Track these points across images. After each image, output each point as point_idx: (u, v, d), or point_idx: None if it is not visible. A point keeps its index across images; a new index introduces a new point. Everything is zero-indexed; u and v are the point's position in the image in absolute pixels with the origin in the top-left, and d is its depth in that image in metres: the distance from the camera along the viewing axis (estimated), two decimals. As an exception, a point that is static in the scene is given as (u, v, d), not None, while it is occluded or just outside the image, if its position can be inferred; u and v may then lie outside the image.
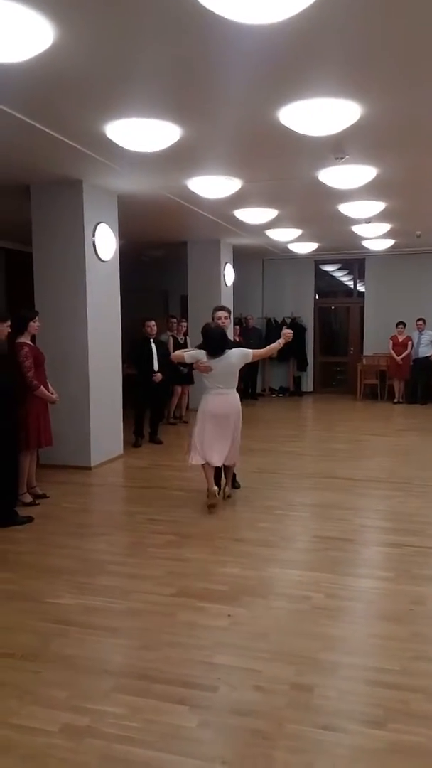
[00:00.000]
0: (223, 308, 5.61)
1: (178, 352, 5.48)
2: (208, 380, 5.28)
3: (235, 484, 5.85)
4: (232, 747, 2.38)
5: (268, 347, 5.54)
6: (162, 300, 13.33)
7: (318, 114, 4.33)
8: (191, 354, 5.32)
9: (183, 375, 9.36)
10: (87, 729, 2.47)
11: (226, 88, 4.03)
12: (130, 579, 3.92)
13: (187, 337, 9.57)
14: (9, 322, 5.01)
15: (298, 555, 4.43)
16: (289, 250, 11.69)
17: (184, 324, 9.71)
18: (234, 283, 11.44)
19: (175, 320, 9.73)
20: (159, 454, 7.61)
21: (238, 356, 5.25)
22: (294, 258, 12.82)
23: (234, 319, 11.59)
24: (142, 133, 4.75)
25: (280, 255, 12.62)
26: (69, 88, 3.98)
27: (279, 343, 5.37)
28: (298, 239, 10.43)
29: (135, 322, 8.22)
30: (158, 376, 8.03)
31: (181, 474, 6.60)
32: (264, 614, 3.47)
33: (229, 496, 5.64)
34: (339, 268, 14.10)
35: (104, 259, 6.87)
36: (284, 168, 6.03)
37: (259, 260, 13.23)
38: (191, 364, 5.33)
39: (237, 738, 2.43)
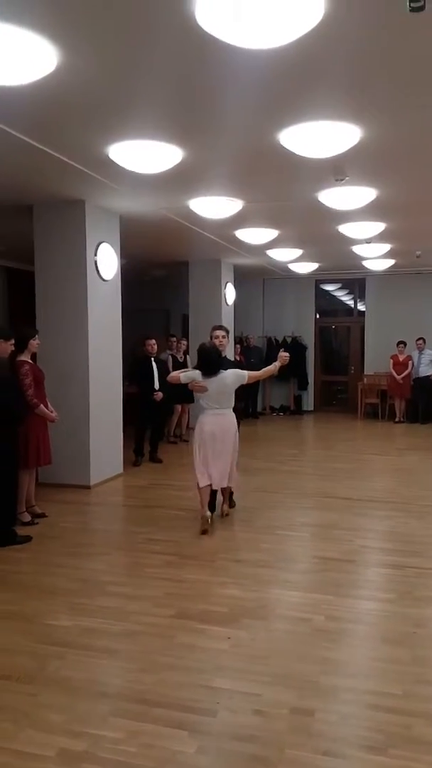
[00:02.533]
0: (221, 327, 5.60)
1: (174, 373, 5.43)
2: (204, 400, 5.27)
3: (231, 503, 5.81)
4: (231, 773, 2.34)
5: (264, 369, 5.46)
6: (163, 319, 13.38)
7: (318, 136, 4.39)
8: (187, 375, 5.30)
9: (183, 394, 9.35)
10: (84, 754, 2.42)
11: (227, 111, 4.09)
12: (128, 600, 3.88)
13: (187, 356, 9.59)
14: (13, 341, 5.02)
15: (299, 576, 4.38)
16: (289, 270, 11.76)
17: (184, 343, 9.74)
18: (235, 302, 11.49)
19: (174, 339, 9.75)
20: (159, 473, 7.58)
21: (233, 377, 5.24)
22: (294, 277, 12.89)
23: (234, 338, 11.65)
24: (144, 155, 4.80)
25: (281, 274, 12.69)
26: (72, 110, 4.03)
27: (275, 366, 5.34)
28: (299, 259, 10.49)
29: (136, 341, 8.24)
30: (159, 395, 8.03)
31: (181, 494, 6.56)
32: (264, 637, 3.43)
33: (226, 515, 5.64)
34: (339, 288, 14.18)
35: (106, 278, 6.91)
36: (285, 189, 6.09)
37: (260, 279, 13.31)
38: (187, 384, 5.31)
39: (236, 764, 2.39)
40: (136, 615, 3.65)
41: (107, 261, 6.91)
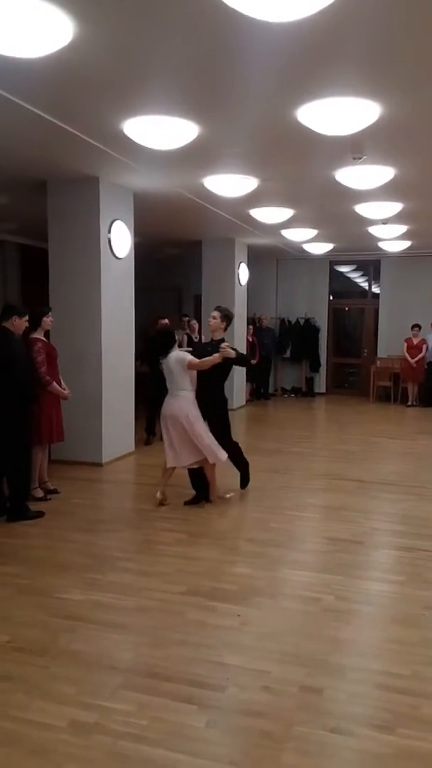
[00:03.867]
0: (217, 308, 5.63)
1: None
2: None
3: (206, 496, 5.61)
4: (240, 748, 2.37)
5: (206, 359, 5.19)
6: (175, 298, 13.33)
7: (336, 113, 4.31)
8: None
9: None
10: (94, 725, 2.46)
11: (245, 86, 4.01)
12: (139, 576, 3.92)
13: (201, 336, 9.55)
14: (27, 317, 5.02)
15: (309, 556, 4.40)
16: (304, 251, 11.65)
17: (195, 323, 9.68)
18: (248, 283, 11.42)
19: (188, 319, 9.72)
20: (170, 452, 7.59)
21: (174, 360, 5.21)
22: (309, 258, 12.77)
23: (247, 318, 11.59)
24: (159, 131, 4.74)
25: (295, 255, 12.58)
26: (88, 84, 3.98)
27: (215, 357, 5.14)
28: (314, 239, 10.39)
29: (148, 320, 8.22)
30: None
31: (192, 472, 6.58)
32: (274, 615, 3.45)
33: (163, 503, 5.38)
34: (354, 269, 14.04)
35: (119, 256, 6.88)
36: (301, 167, 6.00)
37: (274, 260, 13.20)
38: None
39: (245, 739, 2.42)
40: (147, 591, 3.69)
41: (121, 239, 6.87)
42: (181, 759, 2.29)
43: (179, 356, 5.20)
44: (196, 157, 5.59)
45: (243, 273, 11.09)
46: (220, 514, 5.25)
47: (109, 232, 6.67)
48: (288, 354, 13.09)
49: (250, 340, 11.77)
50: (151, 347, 5.04)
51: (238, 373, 11.02)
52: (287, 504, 5.53)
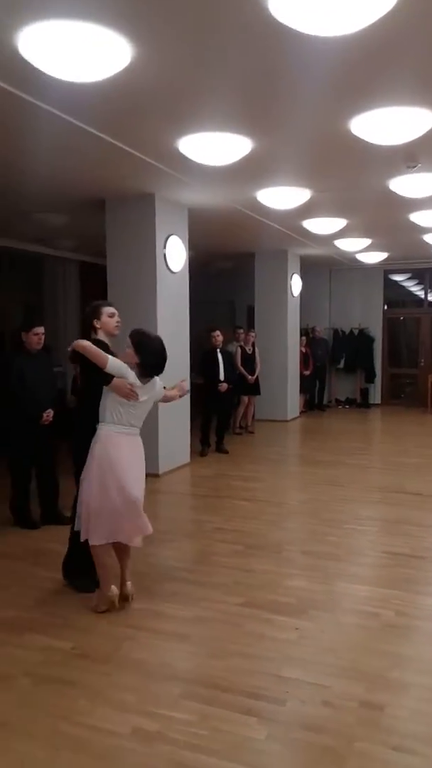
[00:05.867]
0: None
1: (98, 353, 3.51)
2: (119, 411, 3.55)
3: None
4: (301, 763, 2.36)
5: (170, 393, 4.01)
6: (229, 310, 13.42)
7: (390, 123, 4.30)
8: (119, 366, 3.52)
9: (250, 385, 9.40)
10: (157, 734, 2.50)
11: (298, 100, 4.05)
12: (197, 587, 3.95)
13: (256, 348, 9.59)
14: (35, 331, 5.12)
15: (367, 570, 4.34)
16: (357, 260, 11.54)
17: (253, 335, 9.72)
18: (301, 294, 11.39)
19: (242, 331, 9.78)
20: (225, 464, 7.64)
21: (160, 388, 3.78)
22: (362, 268, 12.64)
23: (300, 329, 11.56)
24: (213, 147, 4.83)
25: (348, 265, 12.48)
26: (144, 104, 4.10)
27: (175, 394, 4.03)
28: (367, 249, 10.29)
29: (201, 333, 8.32)
30: (224, 386, 8.09)
31: (248, 484, 6.61)
32: (332, 629, 3.42)
33: (126, 597, 3.71)
34: (409, 278, 13.79)
35: (174, 270, 7.00)
36: (354, 177, 5.98)
37: (327, 270, 13.13)
38: (111, 377, 3.50)
39: (306, 754, 2.41)
40: (205, 602, 3.72)
41: (176, 253, 7.00)
42: (243, 771, 2.30)
43: (161, 384, 3.78)
44: (249, 171, 5.66)
45: (296, 284, 11.08)
46: (278, 526, 5.24)
47: (165, 247, 6.80)
48: (342, 365, 12.96)
49: (303, 351, 11.71)
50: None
51: (292, 384, 11.00)
52: (344, 517, 5.46)
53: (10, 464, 5.24)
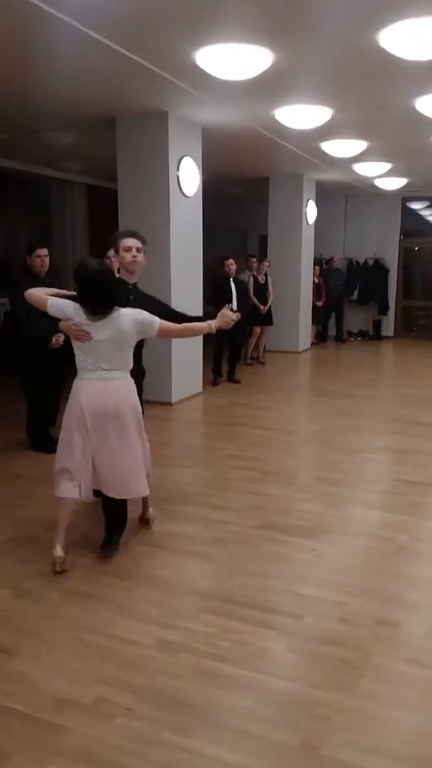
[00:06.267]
0: (133, 235, 3.60)
1: (36, 291, 3.29)
2: (83, 354, 3.21)
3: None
4: (319, 672, 2.45)
5: (195, 325, 3.55)
6: (240, 239, 13.13)
7: (421, 35, 4.02)
8: (59, 304, 3.20)
9: (262, 315, 9.31)
10: (179, 645, 2.60)
11: (324, 8, 3.77)
12: (214, 509, 4.03)
13: (269, 278, 9.43)
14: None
15: (380, 497, 4.40)
16: (375, 186, 11.15)
17: (266, 263, 9.53)
18: (315, 222, 11.09)
19: (254, 259, 9.58)
20: (237, 393, 7.66)
21: (133, 321, 3.15)
22: (380, 194, 12.23)
23: (314, 258, 11.32)
24: (233, 60, 4.56)
25: (365, 191, 12.06)
26: (159, 12, 3.84)
27: (210, 326, 3.43)
28: (387, 174, 9.91)
29: (213, 261, 8.15)
30: (237, 315, 7.96)
31: (260, 413, 6.65)
32: (348, 551, 3.50)
33: (147, 522, 3.75)
34: (428, 206, 13.37)
35: (188, 194, 6.79)
36: (379, 95, 5.67)
37: (342, 197, 12.72)
38: (59, 321, 3.23)
39: (323, 665, 2.50)
40: (222, 524, 3.80)
41: (189, 176, 6.76)
42: (263, 679, 2.40)
43: (141, 317, 3.19)
44: (268, 87, 5.37)
45: (311, 211, 10.76)
46: (291, 454, 5.30)
47: (178, 169, 6.57)
48: (355, 296, 12.75)
49: (316, 281, 11.52)
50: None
51: (304, 315, 10.87)
52: (357, 446, 5.50)
53: (25, 389, 5.26)
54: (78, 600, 2.94)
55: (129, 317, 3.17)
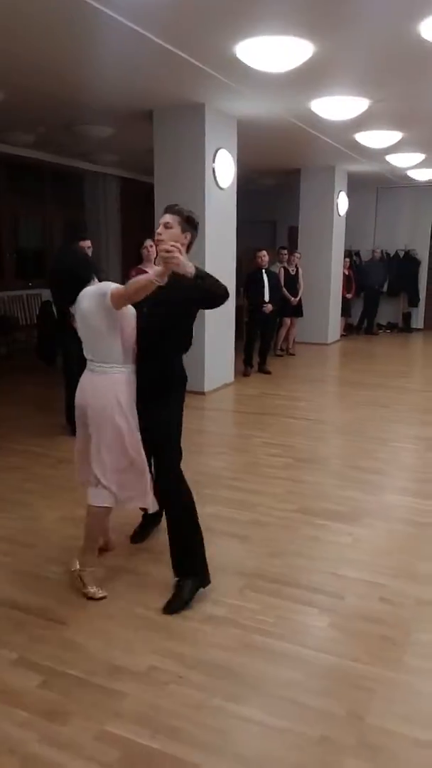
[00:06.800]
0: (172, 209, 2.93)
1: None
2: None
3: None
4: (362, 647, 2.53)
5: (137, 280, 2.68)
6: (270, 231, 13.15)
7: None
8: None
9: (293, 307, 9.36)
10: (226, 619, 2.70)
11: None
12: (251, 494, 4.12)
13: (299, 269, 9.46)
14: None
15: (417, 485, 4.44)
16: (407, 177, 11.08)
17: (297, 255, 9.56)
18: (346, 213, 11.07)
19: (285, 251, 9.62)
20: (268, 383, 7.73)
21: (90, 297, 2.78)
22: (412, 186, 12.14)
23: (344, 251, 11.29)
24: (273, 52, 4.61)
25: (398, 183, 11.99)
26: (202, 6, 3.89)
27: (149, 279, 2.60)
28: (420, 165, 9.84)
29: (245, 253, 8.21)
30: (269, 307, 8.06)
31: (292, 403, 6.71)
32: (385, 535, 3.57)
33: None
34: (460, 198, 13.22)
35: (223, 186, 6.86)
36: (417, 86, 5.66)
37: (374, 189, 12.65)
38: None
39: (366, 641, 2.58)
40: (260, 507, 3.89)
41: (225, 168, 6.83)
42: (307, 653, 2.49)
43: (97, 289, 2.79)
44: (305, 79, 5.40)
45: (342, 202, 10.74)
46: (325, 443, 5.36)
47: (214, 161, 6.64)
48: (384, 288, 12.69)
49: (346, 273, 11.50)
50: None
51: (334, 307, 10.87)
52: (390, 436, 5.54)
53: (66, 376, 5.40)
54: (125, 576, 3.05)
55: (88, 293, 2.79)
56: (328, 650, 2.51)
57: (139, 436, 2.85)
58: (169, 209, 2.89)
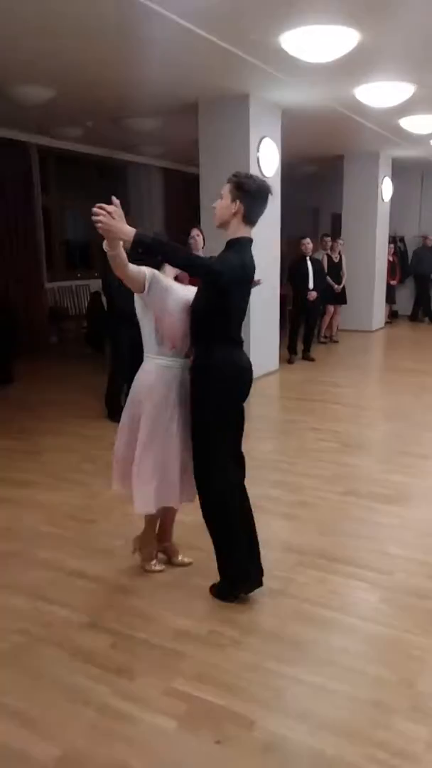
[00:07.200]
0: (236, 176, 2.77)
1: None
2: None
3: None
4: (412, 621, 2.64)
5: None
6: (312, 218, 13.12)
7: None
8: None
9: (336, 294, 9.38)
10: (280, 592, 2.84)
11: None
12: (300, 476, 4.24)
13: (342, 256, 9.46)
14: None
15: (463, 469, 4.49)
16: (453, 162, 10.93)
17: (341, 242, 9.56)
18: (390, 199, 10.98)
19: (329, 238, 9.63)
20: (312, 370, 7.81)
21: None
22: (458, 170, 11.95)
23: (388, 237, 11.20)
24: (318, 42, 4.65)
25: (443, 167, 11.82)
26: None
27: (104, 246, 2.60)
28: (466, 149, 9.71)
29: (288, 241, 8.27)
30: (313, 294, 8.12)
31: (337, 390, 6.78)
32: (433, 517, 3.65)
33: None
34: None
35: (267, 174, 6.91)
36: (465, 69, 5.63)
37: (419, 174, 12.47)
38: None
39: (417, 615, 2.68)
40: (308, 489, 4.01)
41: (269, 157, 6.90)
42: (360, 624, 2.61)
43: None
44: (350, 66, 5.42)
45: (387, 188, 10.66)
46: (371, 428, 5.43)
47: (258, 150, 6.71)
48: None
49: (390, 260, 11.41)
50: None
51: (378, 294, 10.81)
52: (437, 421, 5.57)
53: (112, 361, 5.60)
54: (187, 552, 3.19)
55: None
56: (379, 622, 2.63)
57: (175, 431, 2.79)
58: (229, 178, 2.75)
